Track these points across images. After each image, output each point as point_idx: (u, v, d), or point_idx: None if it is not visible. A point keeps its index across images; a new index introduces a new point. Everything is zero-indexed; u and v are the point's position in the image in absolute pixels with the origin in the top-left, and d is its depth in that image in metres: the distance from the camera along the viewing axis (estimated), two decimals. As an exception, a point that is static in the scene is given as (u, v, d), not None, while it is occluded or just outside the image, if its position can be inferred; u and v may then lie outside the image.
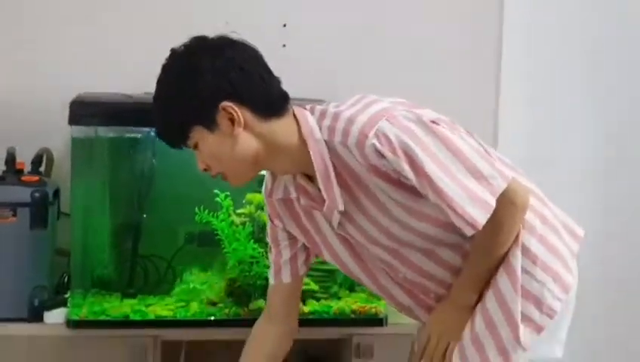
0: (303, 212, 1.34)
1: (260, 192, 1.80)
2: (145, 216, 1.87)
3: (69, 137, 1.74)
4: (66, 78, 1.96)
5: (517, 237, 1.23)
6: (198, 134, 1.21)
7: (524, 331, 1.22)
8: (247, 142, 1.21)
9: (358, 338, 1.80)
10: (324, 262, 1.80)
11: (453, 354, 1.27)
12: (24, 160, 1.84)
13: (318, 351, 2.06)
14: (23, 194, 1.72)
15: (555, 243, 1.27)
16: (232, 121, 1.19)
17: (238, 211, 1.83)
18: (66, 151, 1.87)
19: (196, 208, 1.76)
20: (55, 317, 1.73)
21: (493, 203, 1.15)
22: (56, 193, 1.85)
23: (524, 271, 1.23)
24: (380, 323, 1.81)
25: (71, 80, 1.93)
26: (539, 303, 1.23)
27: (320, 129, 1.21)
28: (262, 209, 1.83)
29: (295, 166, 1.26)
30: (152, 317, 1.74)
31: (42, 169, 1.89)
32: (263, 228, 1.83)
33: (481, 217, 1.15)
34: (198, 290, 1.82)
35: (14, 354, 1.69)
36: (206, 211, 1.77)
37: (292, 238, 1.39)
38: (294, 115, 1.24)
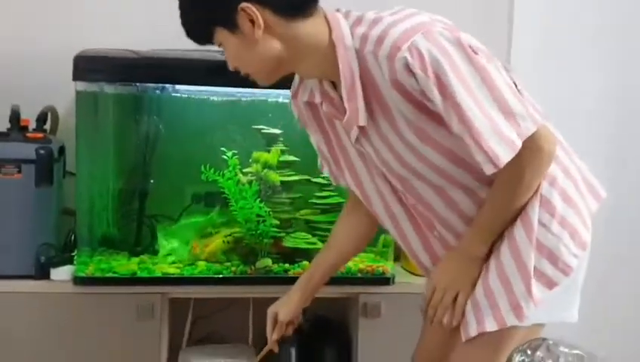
0: (326, 119, 1.31)
1: (267, 152, 1.82)
2: (151, 174, 1.85)
3: (74, 95, 1.71)
4: (71, 35, 1.93)
5: (537, 187, 1.19)
6: (221, 35, 1.20)
7: (535, 284, 1.18)
8: (268, 45, 1.18)
9: (365, 297, 1.80)
10: (331, 223, 1.81)
11: (466, 309, 1.24)
12: (29, 119, 1.82)
13: (324, 310, 2.07)
14: (27, 150, 1.70)
15: (576, 198, 1.23)
16: (252, 22, 1.16)
17: (245, 170, 1.81)
18: (71, 111, 1.84)
19: (202, 166, 1.75)
20: (62, 274, 1.73)
21: (519, 144, 1.10)
22: (62, 151, 1.84)
23: (541, 223, 1.19)
24: (387, 282, 1.81)
25: (77, 37, 1.90)
26: (553, 258, 1.19)
27: (352, 36, 1.16)
28: (269, 168, 1.82)
29: (320, 71, 1.23)
30: (159, 274, 1.74)
31: (47, 127, 1.88)
32: (269, 186, 1.82)
33: (504, 155, 1.09)
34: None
35: (21, 310, 1.69)
36: (212, 170, 1.75)
37: None
38: (326, 18, 1.20)
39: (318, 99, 1.26)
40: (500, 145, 1.08)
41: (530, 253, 1.18)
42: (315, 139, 1.38)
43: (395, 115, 1.17)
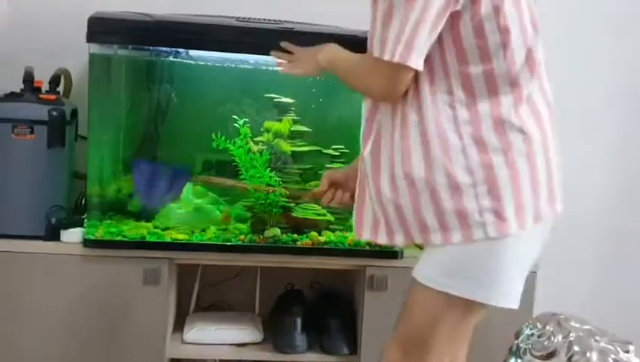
0: None
1: (279, 121, 1.82)
2: (162, 139, 1.84)
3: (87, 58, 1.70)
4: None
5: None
6: None
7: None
8: None
9: (371, 270, 1.80)
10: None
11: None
12: (42, 80, 1.81)
13: (331, 282, 2.08)
14: (40, 111, 1.70)
15: (523, 180, 1.22)
16: None
17: (256, 139, 1.81)
18: (85, 76, 1.82)
19: (213, 134, 1.74)
20: (72, 236, 1.74)
21: (384, 56, 1.19)
22: (74, 113, 1.83)
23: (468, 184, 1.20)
24: (395, 256, 1.80)
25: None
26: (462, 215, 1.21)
27: None
28: (280, 137, 1.82)
29: None
30: (168, 240, 1.75)
31: (60, 90, 1.87)
32: (279, 156, 1.82)
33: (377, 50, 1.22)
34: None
35: (31, 270, 1.71)
36: (223, 137, 1.75)
37: None
38: None
39: None
40: (379, 42, 1.21)
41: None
42: None
43: None
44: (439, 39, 1.20)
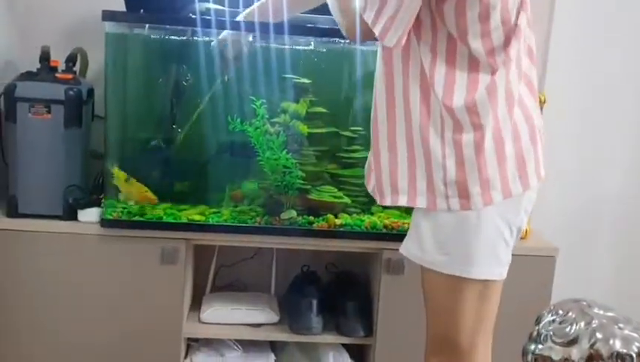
0: None
1: (297, 102, 1.80)
2: (178, 120, 1.83)
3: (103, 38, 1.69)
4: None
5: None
6: None
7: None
8: None
9: (388, 253, 1.79)
10: (358, 177, 1.79)
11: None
12: (59, 60, 1.81)
13: (348, 265, 2.07)
14: (57, 91, 1.70)
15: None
16: None
17: (273, 120, 1.79)
18: (101, 55, 1.82)
19: (229, 116, 1.72)
20: (89, 215, 1.74)
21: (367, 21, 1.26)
22: (91, 93, 1.83)
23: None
24: (412, 239, 1.79)
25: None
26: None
27: None
28: (297, 118, 1.80)
29: None
30: (185, 220, 1.75)
31: (77, 69, 1.87)
32: (296, 138, 1.80)
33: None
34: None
35: (49, 249, 1.72)
36: (239, 119, 1.73)
37: None
38: None
39: None
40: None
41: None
42: None
43: None
44: None
